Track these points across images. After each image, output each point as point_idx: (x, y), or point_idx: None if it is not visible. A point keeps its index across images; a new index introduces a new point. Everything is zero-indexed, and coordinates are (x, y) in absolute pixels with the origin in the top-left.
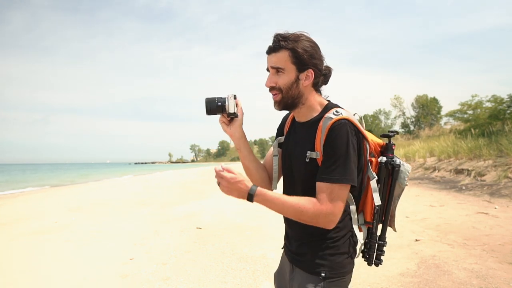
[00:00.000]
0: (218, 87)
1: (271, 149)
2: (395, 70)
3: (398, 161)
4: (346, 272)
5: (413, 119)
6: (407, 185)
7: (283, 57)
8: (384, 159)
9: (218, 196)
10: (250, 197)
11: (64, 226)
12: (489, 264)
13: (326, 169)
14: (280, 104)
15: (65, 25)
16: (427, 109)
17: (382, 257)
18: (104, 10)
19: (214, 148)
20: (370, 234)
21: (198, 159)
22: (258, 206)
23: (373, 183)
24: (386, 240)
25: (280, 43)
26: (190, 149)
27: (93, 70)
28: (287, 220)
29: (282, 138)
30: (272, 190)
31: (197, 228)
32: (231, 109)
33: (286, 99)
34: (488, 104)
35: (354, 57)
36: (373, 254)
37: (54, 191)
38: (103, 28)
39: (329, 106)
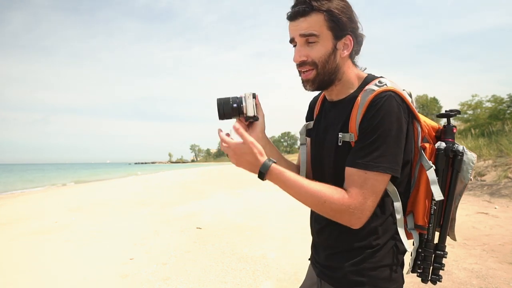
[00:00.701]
0: (218, 86)
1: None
2: (395, 70)
3: (461, 148)
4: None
5: None
6: (471, 179)
7: (316, 22)
8: (443, 145)
9: (218, 196)
10: (261, 175)
11: (64, 226)
12: (489, 264)
13: (360, 151)
14: (315, 83)
15: (65, 25)
16: (427, 109)
17: (441, 272)
18: (104, 10)
19: (214, 148)
20: (424, 242)
21: (198, 159)
22: (258, 206)
23: (431, 173)
24: (446, 250)
25: (312, 3)
26: (190, 149)
27: (93, 70)
28: (314, 226)
29: (310, 124)
30: None
31: (197, 228)
32: (250, 111)
33: (322, 76)
34: (488, 104)
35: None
36: (429, 268)
37: (54, 191)
38: (103, 28)
39: (370, 78)
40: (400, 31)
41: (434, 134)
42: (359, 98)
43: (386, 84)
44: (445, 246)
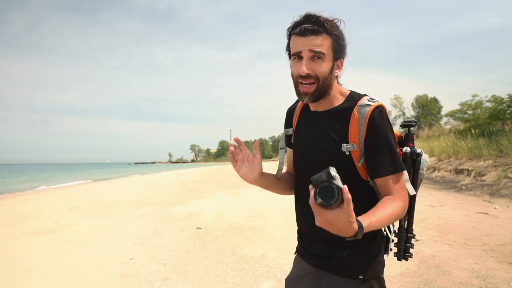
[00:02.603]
0: (218, 87)
1: (289, 150)
2: (395, 70)
3: (419, 151)
4: (382, 269)
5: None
6: (424, 175)
7: (325, 42)
8: (408, 149)
9: (218, 196)
10: (360, 234)
11: (64, 226)
12: (489, 264)
13: (385, 161)
14: (313, 96)
15: (66, 25)
16: (427, 109)
17: (411, 250)
18: (104, 11)
19: (214, 148)
20: (398, 228)
21: (198, 159)
22: (258, 206)
23: (405, 174)
24: (414, 233)
25: (326, 25)
26: (190, 149)
27: (93, 70)
28: (305, 219)
29: (289, 130)
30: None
31: (197, 228)
32: None
33: (321, 89)
34: (488, 104)
35: (354, 57)
36: (403, 248)
37: (54, 191)
38: (103, 29)
39: (355, 94)
40: (400, 31)
41: (397, 140)
42: (355, 112)
43: (377, 100)
44: (413, 229)
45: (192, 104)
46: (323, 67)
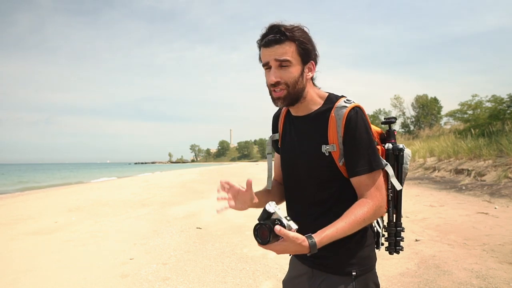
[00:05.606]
0: (219, 86)
1: (276, 154)
2: (395, 70)
3: (401, 146)
4: (374, 264)
5: (413, 119)
6: (408, 169)
7: (289, 49)
8: (391, 145)
9: None
10: (314, 252)
11: (64, 226)
12: (489, 264)
13: (360, 161)
14: (286, 100)
15: (69, 26)
16: (427, 109)
17: (402, 244)
18: (107, 12)
19: (214, 148)
20: (387, 223)
21: (198, 159)
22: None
23: (389, 169)
24: (403, 226)
25: (287, 33)
26: (190, 149)
27: (96, 71)
28: (299, 222)
29: (276, 135)
30: (269, 189)
31: (197, 228)
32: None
33: (292, 94)
34: (488, 104)
35: (355, 58)
36: (393, 242)
37: (54, 191)
38: (106, 30)
39: (333, 96)
40: (401, 32)
41: (378, 137)
42: (332, 114)
43: (353, 102)
44: (402, 223)
45: (192, 104)
46: (291, 73)
